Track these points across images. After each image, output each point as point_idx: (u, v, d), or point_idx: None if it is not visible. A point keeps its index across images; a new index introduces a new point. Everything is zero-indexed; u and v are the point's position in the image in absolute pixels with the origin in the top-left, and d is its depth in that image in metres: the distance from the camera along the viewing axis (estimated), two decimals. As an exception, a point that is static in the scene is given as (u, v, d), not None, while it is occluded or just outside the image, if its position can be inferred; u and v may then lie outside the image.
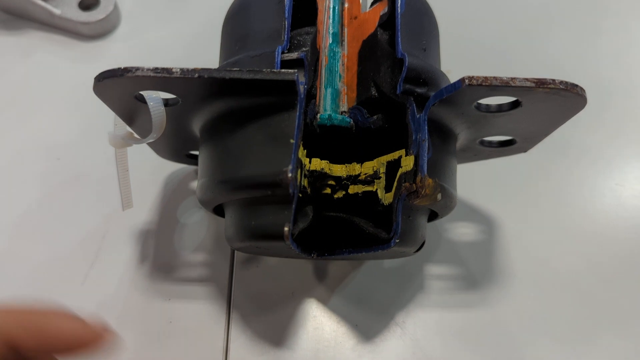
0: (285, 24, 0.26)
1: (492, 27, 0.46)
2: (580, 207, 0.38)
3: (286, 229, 0.25)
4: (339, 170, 0.30)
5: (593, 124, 0.41)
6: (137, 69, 0.23)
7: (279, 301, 0.34)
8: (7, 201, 0.37)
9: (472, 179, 0.37)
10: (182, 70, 0.23)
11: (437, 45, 0.30)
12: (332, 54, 0.31)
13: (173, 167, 0.38)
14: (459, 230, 0.37)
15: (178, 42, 0.46)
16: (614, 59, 0.45)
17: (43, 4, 0.43)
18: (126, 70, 0.23)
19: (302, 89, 0.24)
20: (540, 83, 0.23)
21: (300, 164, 0.25)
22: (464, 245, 0.36)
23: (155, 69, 0.23)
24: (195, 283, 0.34)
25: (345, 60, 0.31)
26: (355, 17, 0.32)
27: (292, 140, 0.24)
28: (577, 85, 0.24)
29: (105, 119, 0.40)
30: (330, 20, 0.32)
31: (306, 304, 0.34)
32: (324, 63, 0.31)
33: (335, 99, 0.31)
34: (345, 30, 0.32)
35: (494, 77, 0.23)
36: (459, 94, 0.24)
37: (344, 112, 0.31)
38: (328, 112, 0.30)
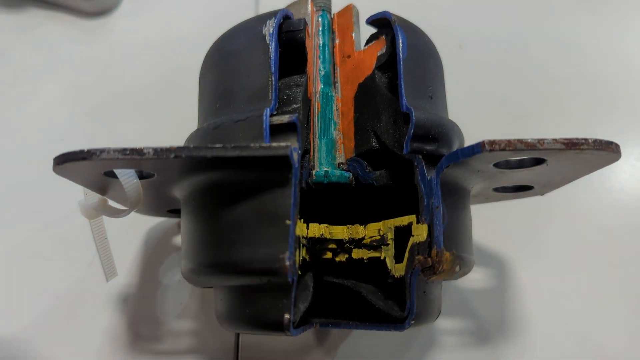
0: (272, 80, 0.23)
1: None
2: (603, 244, 0.35)
3: (287, 316, 0.22)
4: (340, 232, 0.26)
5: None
6: (102, 151, 0.19)
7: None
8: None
9: (480, 217, 0.33)
10: (155, 150, 0.19)
11: (443, 88, 0.27)
12: (324, 99, 0.28)
13: (153, 220, 0.35)
14: (467, 276, 0.33)
15: (184, 19, 0.43)
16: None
17: (42, -20, 0.42)
18: (89, 153, 0.19)
19: (296, 158, 0.20)
20: (572, 144, 0.20)
21: (298, 242, 0.22)
22: (474, 294, 0.33)
23: (124, 150, 0.19)
24: (180, 355, 0.31)
25: (340, 104, 0.28)
26: (349, 56, 0.28)
27: (288, 222, 0.20)
28: (612, 143, 0.21)
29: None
30: (320, 60, 0.28)
31: (307, 370, 0.31)
32: (316, 110, 0.27)
33: (331, 150, 0.27)
34: (338, 70, 0.29)
35: (519, 141, 0.20)
36: (477, 158, 0.21)
37: (342, 163, 0.27)
38: (324, 168, 0.26)
